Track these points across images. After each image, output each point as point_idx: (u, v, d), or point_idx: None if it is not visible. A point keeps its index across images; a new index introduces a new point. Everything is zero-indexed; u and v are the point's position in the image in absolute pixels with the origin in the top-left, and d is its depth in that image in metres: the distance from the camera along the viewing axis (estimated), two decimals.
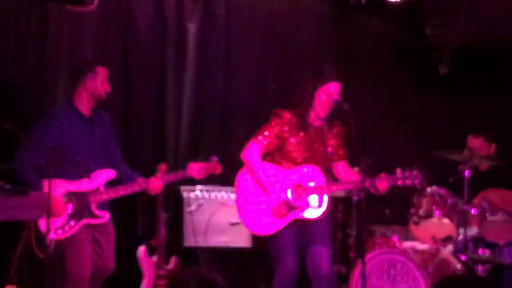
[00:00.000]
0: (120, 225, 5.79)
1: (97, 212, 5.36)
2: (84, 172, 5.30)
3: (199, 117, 6.95)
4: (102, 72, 5.50)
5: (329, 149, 5.37)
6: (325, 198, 5.26)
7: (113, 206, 5.58)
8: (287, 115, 5.33)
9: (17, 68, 6.38)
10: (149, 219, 6.43)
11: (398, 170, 5.28)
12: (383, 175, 5.24)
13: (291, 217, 5.24)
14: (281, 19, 7.25)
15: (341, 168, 5.44)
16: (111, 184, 5.48)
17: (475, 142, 6.46)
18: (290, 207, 5.25)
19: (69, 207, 5.27)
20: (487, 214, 5.87)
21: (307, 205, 5.25)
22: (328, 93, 5.27)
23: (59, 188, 5.24)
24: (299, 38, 7.30)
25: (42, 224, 5.10)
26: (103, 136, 5.56)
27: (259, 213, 5.27)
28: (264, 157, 5.38)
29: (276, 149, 5.35)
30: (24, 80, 6.42)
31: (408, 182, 5.27)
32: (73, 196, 5.30)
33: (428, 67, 7.58)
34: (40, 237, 5.07)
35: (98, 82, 5.46)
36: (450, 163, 6.15)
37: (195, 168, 5.58)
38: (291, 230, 5.27)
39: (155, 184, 5.47)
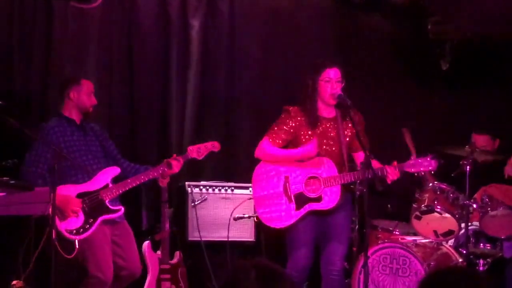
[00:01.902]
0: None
1: (111, 206, 5.43)
2: (87, 172, 5.37)
3: (202, 113, 6.97)
4: (86, 84, 5.62)
5: (345, 139, 5.38)
6: (339, 189, 5.27)
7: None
8: (297, 111, 5.35)
9: (22, 65, 6.39)
10: (154, 214, 6.48)
11: (413, 157, 5.29)
12: (395, 163, 5.24)
13: (306, 209, 5.28)
14: (284, 15, 7.26)
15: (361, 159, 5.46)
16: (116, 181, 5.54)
17: (480, 139, 6.45)
18: (304, 199, 5.29)
19: (84, 206, 5.34)
20: (488, 208, 5.88)
21: (321, 197, 5.28)
22: (328, 79, 5.27)
23: (71, 191, 5.32)
24: (302, 34, 7.31)
25: (62, 226, 5.18)
26: (98, 141, 5.65)
27: (276, 207, 5.30)
28: None
29: (288, 144, 5.37)
30: (29, 77, 6.43)
31: (422, 169, 5.27)
32: (85, 196, 5.37)
33: (430, 63, 7.59)
34: (64, 239, 5.16)
35: (83, 94, 5.55)
36: (452, 158, 6.17)
37: (194, 150, 5.68)
38: (307, 224, 5.29)
39: (175, 163, 5.55)
